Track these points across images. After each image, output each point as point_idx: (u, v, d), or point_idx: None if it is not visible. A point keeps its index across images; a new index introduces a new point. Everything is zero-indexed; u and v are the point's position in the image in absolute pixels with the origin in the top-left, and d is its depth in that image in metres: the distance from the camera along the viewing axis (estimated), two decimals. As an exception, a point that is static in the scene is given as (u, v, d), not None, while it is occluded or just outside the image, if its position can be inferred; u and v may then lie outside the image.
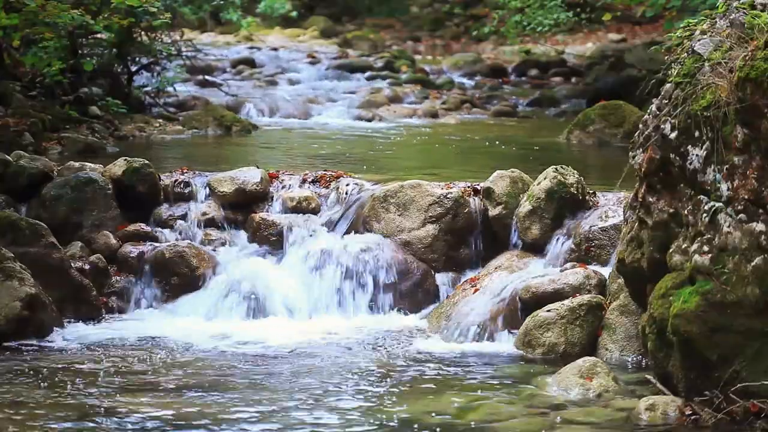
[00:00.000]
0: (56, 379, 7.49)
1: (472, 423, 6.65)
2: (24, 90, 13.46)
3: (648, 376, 7.14)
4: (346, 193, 10.07)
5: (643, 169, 7.09)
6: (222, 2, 23.05)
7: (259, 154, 13.45)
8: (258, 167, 10.30)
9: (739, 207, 6.44)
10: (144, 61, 16.34)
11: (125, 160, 10.14)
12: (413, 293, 9.42)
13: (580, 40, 26.58)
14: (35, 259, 8.92)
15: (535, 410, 6.87)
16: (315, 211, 10.01)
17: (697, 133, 6.67)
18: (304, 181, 10.33)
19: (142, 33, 15.94)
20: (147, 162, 10.17)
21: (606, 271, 8.62)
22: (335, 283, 9.39)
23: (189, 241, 9.73)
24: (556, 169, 9.38)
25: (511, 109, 18.85)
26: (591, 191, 9.48)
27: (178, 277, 9.48)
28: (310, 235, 9.73)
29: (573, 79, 22.66)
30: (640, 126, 7.20)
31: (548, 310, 8.28)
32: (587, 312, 8.23)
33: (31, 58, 13.36)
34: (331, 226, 9.87)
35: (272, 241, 9.80)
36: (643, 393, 7.00)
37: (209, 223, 10.00)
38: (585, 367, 7.27)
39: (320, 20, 30.96)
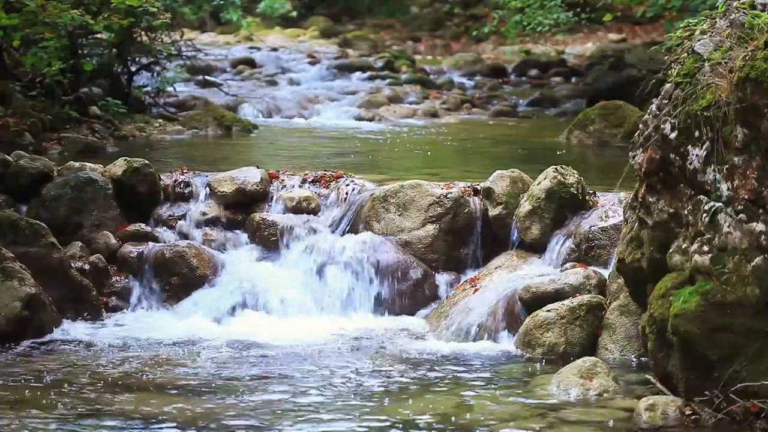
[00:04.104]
0: (56, 379, 7.49)
1: (472, 423, 6.65)
2: (24, 90, 13.46)
3: (648, 376, 7.14)
4: (347, 194, 10.07)
5: (643, 169, 7.08)
6: (222, 2, 23.05)
7: (259, 154, 13.45)
8: (258, 167, 10.30)
9: (739, 207, 6.44)
10: (144, 61, 16.35)
11: (125, 160, 10.15)
12: (413, 293, 9.42)
13: (580, 40, 26.58)
14: (35, 259, 8.91)
15: (535, 410, 6.87)
16: (315, 212, 10.00)
17: (697, 133, 6.67)
18: (304, 181, 10.33)
19: (142, 33, 15.94)
20: (147, 162, 10.17)
21: (606, 271, 8.61)
22: (335, 283, 9.38)
23: (189, 241, 9.73)
24: (556, 169, 9.38)
25: (511, 109, 18.86)
26: (591, 191, 9.48)
27: (178, 277, 9.48)
28: (310, 236, 9.72)
29: (573, 79, 22.68)
30: (640, 126, 7.20)
31: (548, 310, 8.28)
32: (587, 312, 8.24)
33: (31, 58, 13.36)
34: (331, 226, 9.87)
35: (272, 241, 9.80)
36: (643, 393, 7.00)
37: (209, 223, 10.00)
38: (585, 367, 7.26)
39: (320, 20, 30.96)
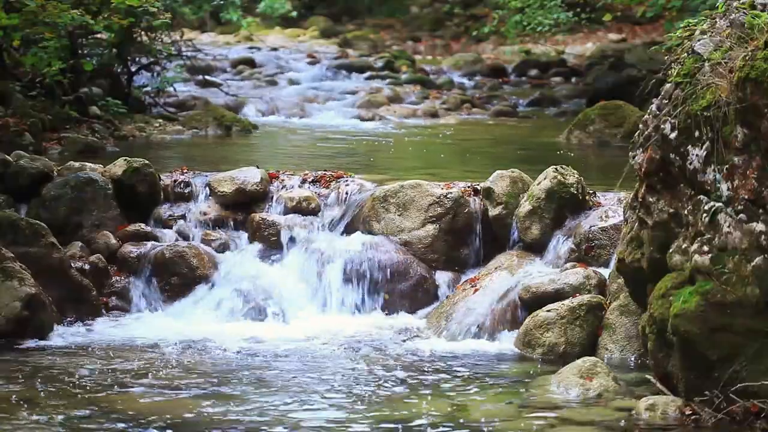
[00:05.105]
0: (56, 379, 7.48)
1: (472, 423, 6.65)
2: (24, 90, 13.45)
3: (648, 376, 7.14)
4: (347, 194, 10.07)
5: (643, 169, 7.08)
6: (222, 2, 23.05)
7: (259, 154, 13.45)
8: (258, 167, 10.30)
9: (739, 207, 6.44)
10: (144, 61, 16.34)
11: (125, 160, 10.15)
12: (413, 293, 9.42)
13: (580, 40, 26.59)
14: (35, 259, 8.91)
15: (535, 410, 6.87)
16: (315, 212, 10.00)
17: (697, 133, 6.67)
18: (304, 181, 10.33)
19: (142, 33, 15.94)
20: (147, 162, 10.17)
21: (606, 271, 8.62)
22: (335, 283, 9.39)
23: (189, 241, 9.73)
24: (556, 169, 9.38)
25: (511, 109, 18.86)
26: (591, 191, 9.48)
27: (178, 277, 9.48)
28: (311, 236, 9.72)
29: (573, 79, 22.68)
30: (640, 126, 7.20)
31: (548, 310, 8.29)
32: (587, 312, 8.24)
33: (31, 58, 13.36)
34: (331, 226, 9.87)
35: (272, 241, 9.80)
36: (643, 393, 7.00)
37: (209, 223, 10.00)
38: (585, 367, 7.26)
39: (320, 20, 30.97)
